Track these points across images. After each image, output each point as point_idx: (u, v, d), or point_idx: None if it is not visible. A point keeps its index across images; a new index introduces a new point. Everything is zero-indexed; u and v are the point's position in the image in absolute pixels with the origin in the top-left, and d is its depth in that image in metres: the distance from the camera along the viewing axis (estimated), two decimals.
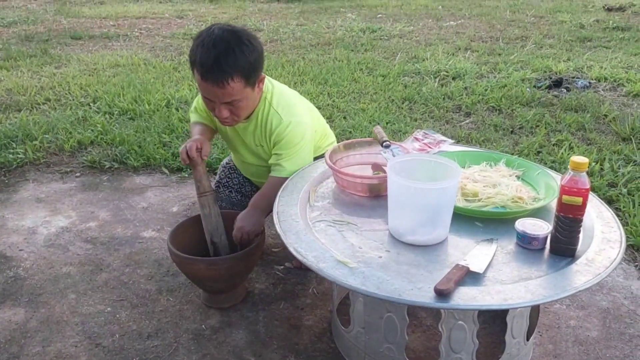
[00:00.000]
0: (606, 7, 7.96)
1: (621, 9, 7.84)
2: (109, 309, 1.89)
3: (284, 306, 1.90)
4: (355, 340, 1.57)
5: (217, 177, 2.31)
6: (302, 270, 2.06)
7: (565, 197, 1.30)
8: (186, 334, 1.77)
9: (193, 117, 2.10)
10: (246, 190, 2.24)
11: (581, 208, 1.30)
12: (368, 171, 1.86)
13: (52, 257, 2.19)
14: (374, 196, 1.70)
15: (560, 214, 1.33)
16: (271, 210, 1.63)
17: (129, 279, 2.06)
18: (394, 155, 1.75)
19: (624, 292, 1.94)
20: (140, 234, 2.36)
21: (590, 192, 1.65)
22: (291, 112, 1.90)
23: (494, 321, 1.77)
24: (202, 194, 1.87)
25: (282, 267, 2.11)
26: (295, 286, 2.00)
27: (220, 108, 1.74)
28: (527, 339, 1.55)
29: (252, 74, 1.72)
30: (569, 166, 1.31)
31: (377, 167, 1.86)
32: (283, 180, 1.82)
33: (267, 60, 5.19)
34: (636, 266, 2.09)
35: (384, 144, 1.82)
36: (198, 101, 2.04)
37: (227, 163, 2.32)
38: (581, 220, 1.33)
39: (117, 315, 1.86)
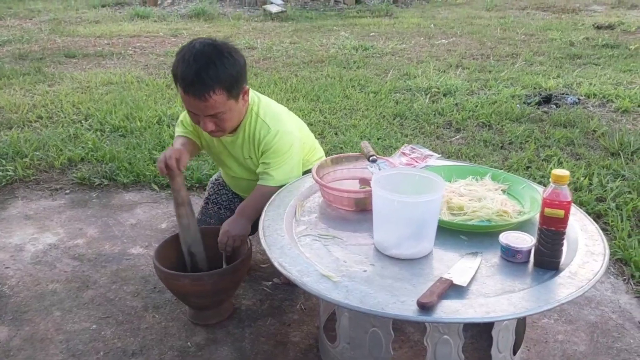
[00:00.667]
0: (596, 25, 8.06)
1: (610, 27, 7.95)
2: (94, 326, 1.87)
3: (271, 322, 1.88)
4: (341, 356, 1.56)
5: (206, 194, 2.30)
6: (290, 286, 2.05)
7: (547, 209, 1.31)
8: (171, 351, 1.75)
9: (178, 130, 2.08)
10: (235, 206, 2.23)
11: (563, 221, 1.31)
12: (355, 185, 1.86)
13: (39, 274, 2.18)
14: (360, 210, 1.70)
15: (543, 226, 1.33)
16: (257, 218, 1.64)
17: (115, 295, 2.04)
18: (380, 170, 1.75)
19: (612, 306, 1.94)
20: (128, 250, 2.35)
21: (576, 205, 1.67)
22: (279, 122, 1.91)
23: (480, 336, 1.76)
24: (180, 204, 1.84)
25: (269, 283, 2.10)
26: (283, 302, 1.99)
27: (205, 121, 1.75)
28: (514, 353, 1.54)
29: (234, 86, 1.72)
30: (550, 179, 1.31)
31: (365, 182, 1.86)
32: (270, 189, 1.84)
33: (259, 77, 5.23)
34: (624, 280, 2.09)
35: (371, 158, 1.83)
36: (184, 115, 2.03)
37: (216, 179, 2.32)
38: (564, 233, 1.33)
39: (102, 333, 1.84)
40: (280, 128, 1.89)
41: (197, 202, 2.77)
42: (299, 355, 1.73)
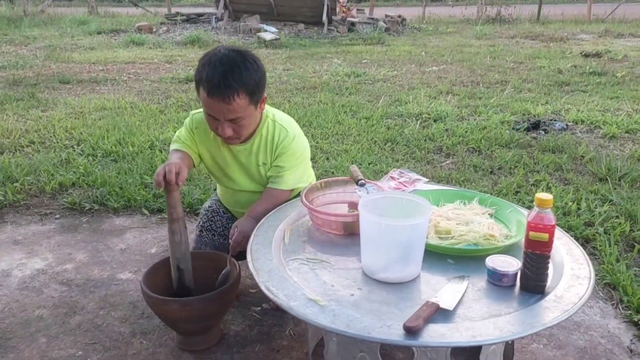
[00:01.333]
0: (583, 53, 8.23)
1: (598, 55, 8.11)
2: (80, 352, 1.85)
3: (260, 348, 1.87)
4: None
5: (199, 222, 2.25)
6: (279, 312, 2.04)
7: (531, 233, 1.32)
8: None
9: (174, 145, 2.01)
10: (229, 232, 2.23)
11: (548, 244, 1.32)
12: (344, 209, 1.87)
13: (25, 300, 2.16)
14: (349, 234, 1.71)
15: (528, 250, 1.34)
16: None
17: (102, 321, 2.02)
18: (368, 194, 1.77)
19: (601, 331, 1.94)
20: (117, 275, 2.34)
21: (562, 229, 1.68)
22: (294, 127, 2.01)
23: None
24: (174, 220, 1.81)
25: (259, 308, 2.09)
26: (272, 328, 1.98)
27: (224, 126, 1.78)
28: None
29: (256, 92, 1.78)
30: (534, 203, 1.33)
31: (353, 206, 1.87)
32: (282, 192, 1.96)
33: None
34: (613, 305, 2.09)
35: (359, 182, 1.84)
36: (181, 132, 2.02)
37: (209, 207, 2.27)
38: (548, 257, 1.34)
39: (88, 359, 1.82)
40: (296, 132, 1.98)
41: (189, 227, 2.77)
42: None
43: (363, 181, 1.84)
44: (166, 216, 2.85)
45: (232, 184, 2.09)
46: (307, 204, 1.75)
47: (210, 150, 2.01)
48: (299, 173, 2.01)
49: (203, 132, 1.97)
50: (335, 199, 1.94)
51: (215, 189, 2.36)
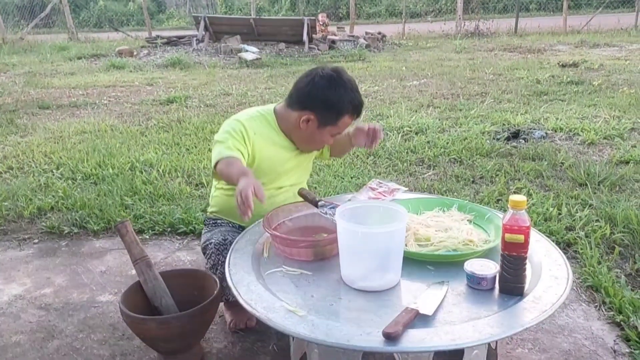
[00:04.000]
0: (561, 64, 8.37)
1: (575, 65, 8.25)
2: None
3: None
4: None
5: (208, 262, 1.90)
6: (262, 328, 2.01)
7: (507, 235, 1.32)
8: None
9: (227, 152, 1.82)
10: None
11: (524, 245, 1.32)
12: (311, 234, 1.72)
13: (2, 326, 2.11)
14: (320, 259, 1.60)
15: (505, 252, 1.35)
16: None
17: (81, 344, 1.98)
18: (333, 212, 1.70)
19: (585, 333, 1.94)
20: (97, 298, 2.30)
21: (540, 233, 1.69)
22: None
23: None
24: (134, 262, 1.85)
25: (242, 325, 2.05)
26: (255, 344, 1.95)
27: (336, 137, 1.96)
28: None
29: None
30: (508, 205, 1.34)
31: (327, 230, 1.74)
32: None
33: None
34: (596, 307, 2.10)
35: (319, 203, 1.76)
36: (227, 138, 1.86)
37: (218, 242, 1.89)
38: (525, 258, 1.34)
39: None
40: None
41: (169, 247, 2.74)
42: None
43: (322, 202, 1.78)
44: (147, 237, 2.85)
45: (282, 180, 2.02)
46: (272, 232, 1.64)
47: (272, 152, 1.96)
48: None
49: (267, 136, 1.96)
50: (305, 222, 1.81)
51: (209, 223, 2.14)
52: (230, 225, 2.05)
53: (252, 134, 1.91)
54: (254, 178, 1.63)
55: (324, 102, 1.85)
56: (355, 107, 1.88)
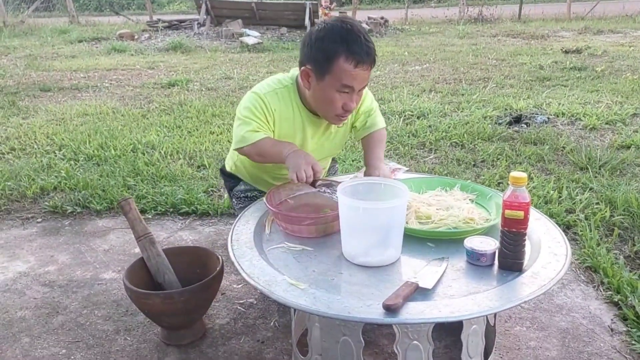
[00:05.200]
0: (564, 50, 8.33)
1: (578, 51, 8.21)
2: (63, 351, 1.83)
3: (245, 340, 1.86)
4: None
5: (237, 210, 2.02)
6: (264, 305, 2.04)
7: (507, 211, 1.34)
8: None
9: (258, 135, 1.81)
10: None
11: (523, 222, 1.33)
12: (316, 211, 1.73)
13: (7, 302, 2.13)
14: (324, 235, 1.62)
15: (505, 228, 1.36)
16: None
17: (85, 320, 2.01)
18: (332, 191, 1.74)
19: (583, 312, 1.96)
20: (100, 275, 2.32)
21: (539, 211, 1.70)
22: None
23: (455, 345, 1.77)
24: (138, 239, 1.87)
25: (242, 301, 2.08)
26: (256, 320, 1.97)
27: (353, 97, 1.75)
28: (486, 359, 1.54)
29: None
30: (509, 182, 1.35)
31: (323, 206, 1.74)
32: (384, 130, 2.10)
33: (236, 105, 5.26)
34: (594, 287, 2.12)
35: (316, 183, 1.77)
36: (252, 119, 1.83)
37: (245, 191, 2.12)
38: (524, 234, 1.35)
39: (72, 357, 1.80)
40: None
41: (171, 227, 2.77)
42: None
43: (320, 182, 1.79)
44: (150, 217, 2.87)
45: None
46: (278, 210, 1.66)
47: (292, 127, 1.90)
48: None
49: (285, 111, 1.87)
50: (306, 200, 1.80)
51: (240, 196, 2.15)
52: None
53: (273, 110, 1.85)
54: (302, 151, 1.75)
55: (315, 47, 1.68)
56: (350, 48, 1.63)
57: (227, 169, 2.22)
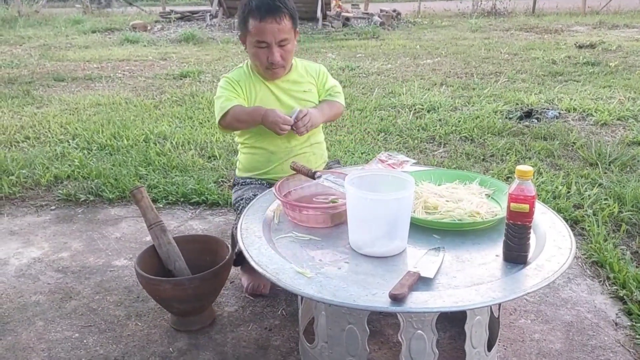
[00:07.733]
0: (577, 45, 8.27)
1: (591, 45, 8.15)
2: (76, 334, 1.88)
3: (253, 328, 1.90)
4: (320, 355, 1.58)
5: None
6: (271, 294, 2.08)
7: (513, 204, 1.36)
8: (153, 357, 1.76)
9: (232, 103, 2.01)
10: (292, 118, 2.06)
11: (528, 215, 1.35)
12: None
13: (22, 287, 2.19)
14: (331, 225, 1.66)
15: (510, 221, 1.38)
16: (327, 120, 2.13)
17: (98, 305, 2.05)
18: (334, 181, 1.76)
19: (588, 306, 1.97)
20: (112, 262, 2.37)
21: (546, 205, 1.72)
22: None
23: (459, 336, 1.79)
24: (148, 227, 1.91)
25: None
26: (264, 308, 2.01)
27: (274, 51, 1.95)
28: (489, 350, 1.57)
29: (295, 17, 2.00)
30: (515, 175, 1.36)
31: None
32: (341, 106, 2.21)
33: None
34: (600, 282, 2.13)
35: (315, 175, 1.80)
36: (225, 94, 2.05)
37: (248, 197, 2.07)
38: (529, 227, 1.37)
39: (85, 341, 1.85)
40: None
41: (182, 216, 2.81)
42: (279, 358, 1.74)
43: (319, 173, 1.81)
44: (161, 206, 2.91)
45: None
46: (288, 200, 1.70)
47: (255, 96, 2.09)
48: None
49: (245, 81, 2.09)
50: (315, 190, 1.84)
51: (239, 182, 2.21)
52: (259, 183, 2.13)
53: (237, 81, 2.08)
54: (272, 111, 1.93)
55: (239, 16, 1.99)
56: (258, 8, 1.90)
57: (237, 174, 2.27)
